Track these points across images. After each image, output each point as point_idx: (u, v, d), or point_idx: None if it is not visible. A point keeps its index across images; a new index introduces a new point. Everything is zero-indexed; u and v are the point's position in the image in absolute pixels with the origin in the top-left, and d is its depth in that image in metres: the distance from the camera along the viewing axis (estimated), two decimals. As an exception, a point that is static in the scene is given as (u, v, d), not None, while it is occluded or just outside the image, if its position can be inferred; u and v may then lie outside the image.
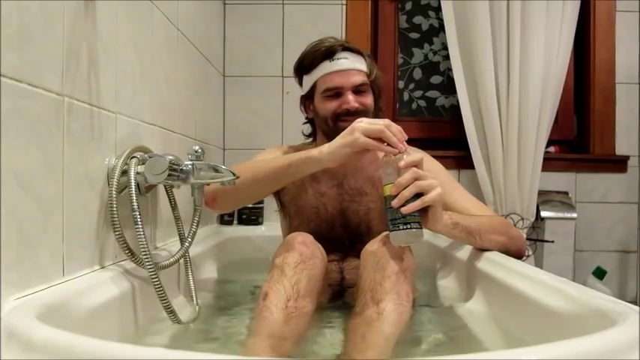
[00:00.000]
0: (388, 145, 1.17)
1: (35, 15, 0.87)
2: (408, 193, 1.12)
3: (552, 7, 2.26)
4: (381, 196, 1.20)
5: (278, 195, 1.53)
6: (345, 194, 1.46)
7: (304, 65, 1.46)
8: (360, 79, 1.41)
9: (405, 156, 1.16)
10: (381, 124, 1.17)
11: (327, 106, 1.41)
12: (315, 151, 1.24)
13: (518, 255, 1.38)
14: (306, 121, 1.58)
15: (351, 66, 1.41)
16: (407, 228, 1.12)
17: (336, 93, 1.41)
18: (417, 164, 1.16)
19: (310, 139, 1.59)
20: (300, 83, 1.51)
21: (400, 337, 1.03)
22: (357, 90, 1.41)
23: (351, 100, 1.39)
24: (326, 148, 1.23)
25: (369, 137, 1.17)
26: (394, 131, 1.17)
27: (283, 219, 1.57)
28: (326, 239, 1.40)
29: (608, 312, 0.78)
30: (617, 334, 0.67)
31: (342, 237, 1.46)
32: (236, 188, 1.27)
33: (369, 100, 1.43)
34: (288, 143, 1.66)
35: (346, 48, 1.43)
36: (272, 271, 1.15)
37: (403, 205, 1.12)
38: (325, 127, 1.44)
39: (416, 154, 1.18)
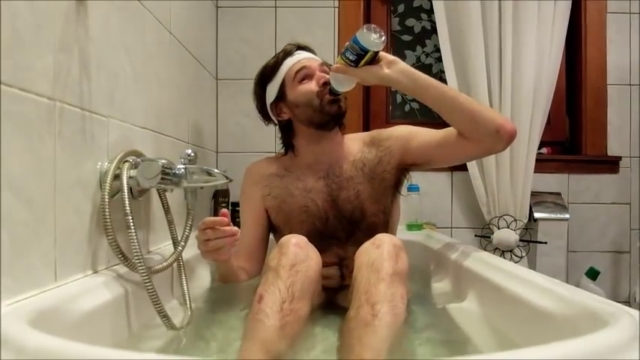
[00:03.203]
0: None
1: (26, 20, 0.87)
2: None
3: (543, 9, 2.27)
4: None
5: (268, 215, 1.54)
6: (332, 184, 1.47)
7: (266, 74, 1.49)
8: (321, 61, 1.48)
9: None
10: None
11: (306, 88, 1.43)
12: None
13: (498, 136, 1.30)
14: (279, 126, 1.56)
15: (311, 56, 1.49)
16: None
17: (307, 76, 1.44)
18: None
19: (284, 149, 1.57)
20: (263, 97, 1.52)
21: (395, 339, 1.03)
22: (323, 71, 1.45)
23: (325, 74, 1.42)
24: None
25: None
26: None
27: (275, 235, 1.56)
28: (321, 236, 1.40)
29: (599, 313, 0.79)
30: (609, 335, 0.67)
31: (338, 229, 1.46)
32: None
33: None
34: (279, 151, 1.63)
35: (301, 47, 1.50)
36: (267, 274, 1.15)
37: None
38: (309, 111, 1.43)
39: None
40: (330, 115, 1.42)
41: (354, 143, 1.53)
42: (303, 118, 1.46)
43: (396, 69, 1.29)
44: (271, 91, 1.48)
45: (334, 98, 1.40)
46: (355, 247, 1.33)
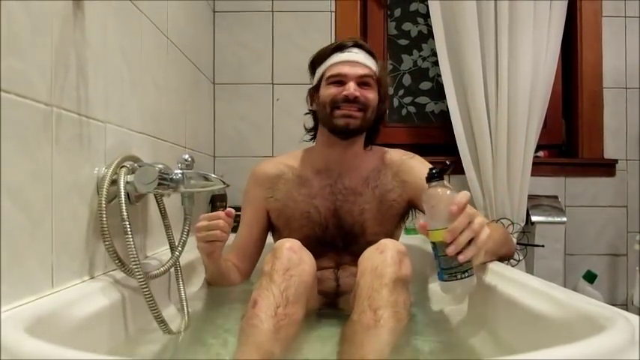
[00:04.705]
0: None
1: (23, 24, 0.87)
2: (464, 239, 1.00)
3: (539, 12, 2.27)
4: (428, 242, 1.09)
5: (268, 217, 1.55)
6: (338, 194, 1.47)
7: (315, 59, 1.48)
8: (365, 71, 1.41)
9: (448, 192, 1.04)
10: None
11: (328, 92, 1.41)
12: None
13: (508, 258, 1.40)
14: (307, 112, 1.56)
15: (359, 59, 1.42)
16: (465, 277, 1.03)
17: (340, 81, 1.40)
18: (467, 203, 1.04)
19: (310, 136, 1.58)
20: (312, 78, 1.52)
21: (397, 344, 1.04)
22: (362, 82, 1.40)
23: (352, 88, 1.38)
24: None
25: None
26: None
27: (273, 234, 1.57)
28: (320, 242, 1.40)
29: (596, 317, 0.79)
30: (606, 339, 0.67)
31: (336, 238, 1.46)
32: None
33: (371, 94, 1.42)
34: (281, 152, 1.64)
35: (358, 44, 1.45)
36: (261, 279, 1.15)
37: (459, 253, 1.01)
38: (323, 114, 1.43)
39: (463, 191, 1.05)
40: (335, 127, 1.41)
41: (373, 158, 1.50)
42: (320, 117, 1.47)
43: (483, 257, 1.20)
44: (316, 78, 1.49)
45: (346, 112, 1.39)
46: (351, 256, 1.34)
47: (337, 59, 1.42)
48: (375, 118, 1.45)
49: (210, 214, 1.35)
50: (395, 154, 1.52)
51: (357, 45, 1.44)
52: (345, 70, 1.40)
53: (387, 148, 1.56)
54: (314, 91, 1.49)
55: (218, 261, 1.41)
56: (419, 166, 1.47)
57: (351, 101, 1.38)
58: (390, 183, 1.47)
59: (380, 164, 1.49)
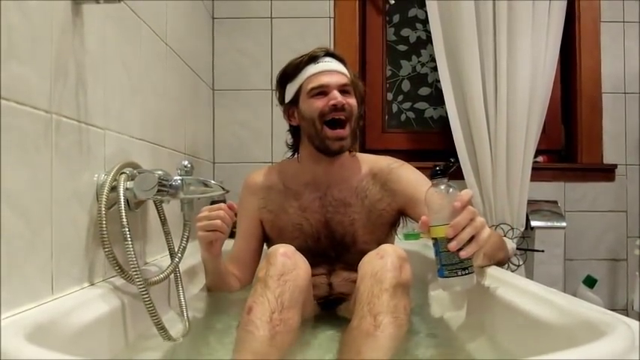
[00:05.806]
0: None
1: (22, 32, 0.87)
2: (466, 235, 1.02)
3: (538, 18, 2.28)
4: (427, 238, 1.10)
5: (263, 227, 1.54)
6: (328, 205, 1.46)
7: (288, 73, 1.45)
8: (344, 79, 1.41)
9: (451, 190, 1.07)
10: None
11: (313, 105, 1.39)
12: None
13: (504, 263, 1.41)
14: (289, 129, 1.54)
15: (336, 67, 1.42)
16: (465, 273, 1.04)
17: (322, 92, 1.39)
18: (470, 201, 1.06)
19: (291, 153, 1.56)
20: (282, 94, 1.49)
21: (397, 351, 1.03)
22: (342, 90, 1.39)
23: (338, 96, 1.37)
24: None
25: None
26: None
27: (267, 245, 1.55)
28: (312, 253, 1.40)
29: (596, 323, 0.78)
30: (606, 345, 0.67)
31: (328, 248, 1.46)
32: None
33: (353, 101, 1.41)
34: (280, 158, 1.63)
35: (329, 53, 1.44)
36: (255, 285, 1.15)
37: (460, 249, 1.03)
38: (312, 130, 1.41)
39: (466, 189, 1.09)
40: (328, 149, 1.40)
41: (359, 168, 1.49)
42: (306, 133, 1.45)
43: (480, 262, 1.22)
44: (289, 92, 1.46)
45: (338, 135, 1.38)
46: (344, 265, 1.33)
47: (314, 70, 1.40)
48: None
49: (212, 205, 1.36)
50: (383, 162, 1.50)
51: (328, 54, 1.43)
52: (326, 79, 1.39)
53: (374, 156, 1.55)
54: (290, 107, 1.47)
55: (218, 258, 1.40)
56: (408, 174, 1.46)
57: (339, 109, 1.37)
58: (378, 192, 1.46)
59: (368, 174, 1.48)
